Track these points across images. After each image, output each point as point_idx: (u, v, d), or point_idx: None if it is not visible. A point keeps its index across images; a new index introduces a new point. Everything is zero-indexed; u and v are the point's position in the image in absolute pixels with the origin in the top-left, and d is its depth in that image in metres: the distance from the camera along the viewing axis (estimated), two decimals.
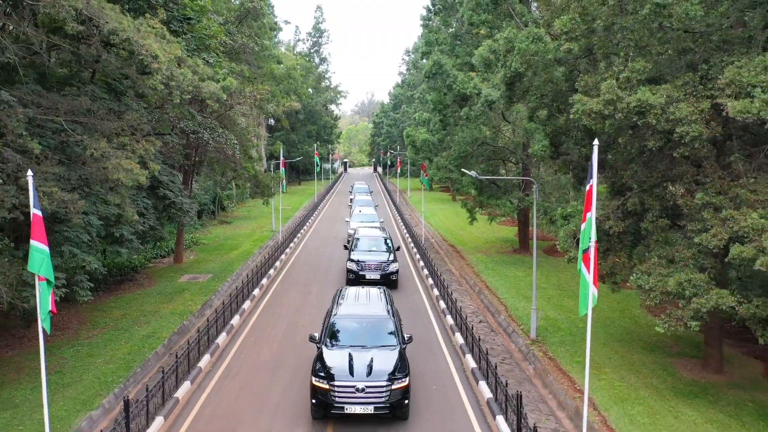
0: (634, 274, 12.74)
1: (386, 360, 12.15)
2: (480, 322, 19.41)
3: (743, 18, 11.12)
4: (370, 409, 11.44)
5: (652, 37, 11.53)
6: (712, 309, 11.19)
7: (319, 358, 12.38)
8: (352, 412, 11.45)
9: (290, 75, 53.16)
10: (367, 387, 11.52)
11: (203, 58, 16.82)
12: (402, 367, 12.13)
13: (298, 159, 61.76)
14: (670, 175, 12.82)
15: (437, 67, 25.35)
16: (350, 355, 12.20)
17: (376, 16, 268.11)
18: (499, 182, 28.85)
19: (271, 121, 69.06)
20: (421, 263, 27.69)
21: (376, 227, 29.55)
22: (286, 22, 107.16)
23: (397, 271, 23.06)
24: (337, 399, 11.49)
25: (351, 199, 48.79)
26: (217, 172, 36.09)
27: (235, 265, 27.85)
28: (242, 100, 24.89)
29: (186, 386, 13.59)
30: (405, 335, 13.40)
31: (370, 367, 11.84)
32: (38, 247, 8.41)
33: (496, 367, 12.92)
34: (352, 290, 15.68)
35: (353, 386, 11.52)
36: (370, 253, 23.73)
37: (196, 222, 28.76)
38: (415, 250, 31.36)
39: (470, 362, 15.09)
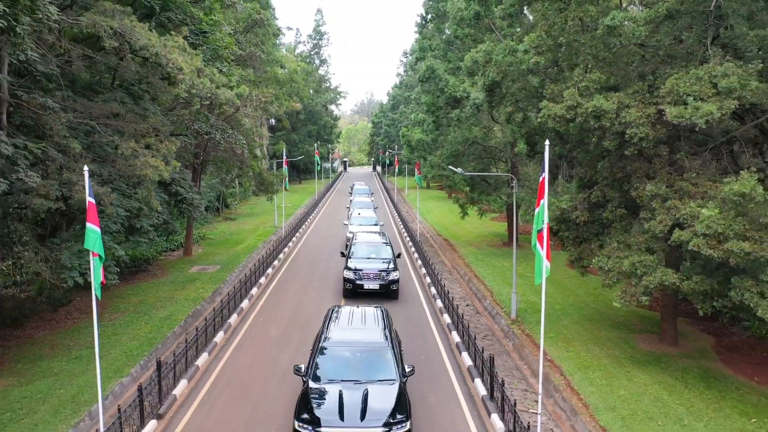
0: (596, 258, 14.63)
1: (383, 398, 10.55)
2: (467, 305, 21.31)
3: (681, 36, 12.99)
4: None
5: (608, 52, 13.39)
6: (658, 285, 13.05)
7: (304, 396, 10.76)
8: None
9: (293, 78, 55.15)
10: None
11: (217, 67, 18.72)
12: (402, 406, 10.47)
13: (299, 158, 63.68)
14: (627, 171, 14.70)
15: (430, 72, 27.23)
16: (340, 393, 10.58)
17: (376, 17, 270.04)
18: (489, 179, 30.74)
19: (272, 121, 70.97)
20: (416, 255, 29.57)
21: (375, 232, 28.47)
22: (289, 29, 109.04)
23: (398, 280, 21.37)
24: None
25: (350, 201, 47.37)
26: (222, 171, 37.94)
27: (241, 257, 29.70)
28: (248, 103, 26.75)
29: (204, 357, 15.48)
30: (406, 366, 11.78)
31: (363, 409, 10.22)
32: (92, 228, 10.27)
33: (474, 338, 14.82)
34: (345, 310, 14.04)
35: None
36: (369, 260, 22.13)
37: (204, 216, 30.61)
38: (410, 243, 33.24)
39: (455, 338, 16.98)
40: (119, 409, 10.71)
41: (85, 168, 10.09)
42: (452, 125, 29.24)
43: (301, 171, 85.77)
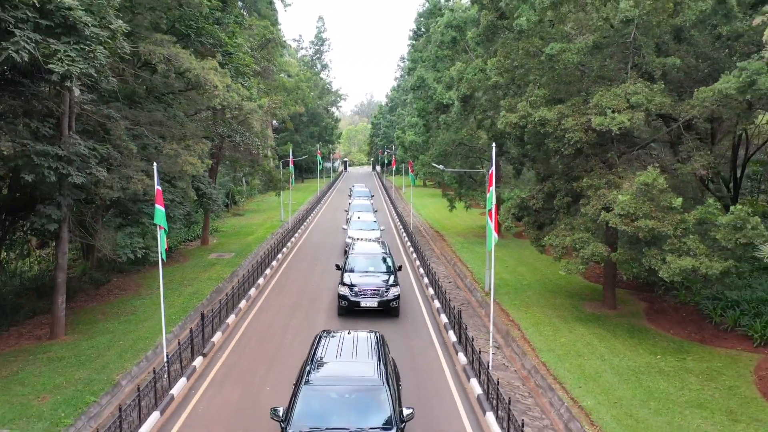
0: (547, 237, 18.28)
1: None
2: (449, 282, 24.98)
3: (605, 62, 16.63)
4: None
5: (552, 73, 17.02)
6: (591, 255, 16.68)
7: None
8: None
9: (299, 86, 59.08)
10: None
11: (240, 83, 22.35)
12: None
13: (302, 158, 67.40)
14: (571, 167, 18.34)
15: (420, 81, 30.88)
16: None
17: (376, 24, 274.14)
18: (475, 176, 34.39)
19: (274, 123, 74.70)
20: (409, 243, 33.24)
21: (374, 239, 27.35)
22: (294, 40, 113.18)
23: (398, 297, 19.51)
24: None
25: (350, 203, 45.82)
26: (233, 170, 41.63)
27: (253, 246, 33.35)
28: (259, 109, 30.45)
29: (232, 317, 19.15)
30: (404, 409, 9.91)
31: None
32: (159, 208, 13.85)
33: (449, 300, 18.46)
34: (334, 338, 11.96)
35: None
36: (367, 274, 20.41)
37: (221, 209, 34.28)
38: (404, 234, 36.94)
39: (436, 304, 20.65)
40: (179, 343, 14.36)
41: (155, 164, 13.71)
42: (441, 128, 32.90)
43: (303, 170, 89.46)
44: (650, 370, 14.65)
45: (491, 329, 15.10)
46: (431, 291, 22.53)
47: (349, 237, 29.91)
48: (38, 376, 14.83)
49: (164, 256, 14.26)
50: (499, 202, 35.51)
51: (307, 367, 10.64)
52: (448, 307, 18.51)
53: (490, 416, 12.05)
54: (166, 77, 17.96)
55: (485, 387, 13.08)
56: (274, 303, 21.51)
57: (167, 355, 13.78)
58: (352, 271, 20.67)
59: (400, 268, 22.24)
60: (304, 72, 73.71)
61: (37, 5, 10.93)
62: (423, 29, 38.31)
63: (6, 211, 21.56)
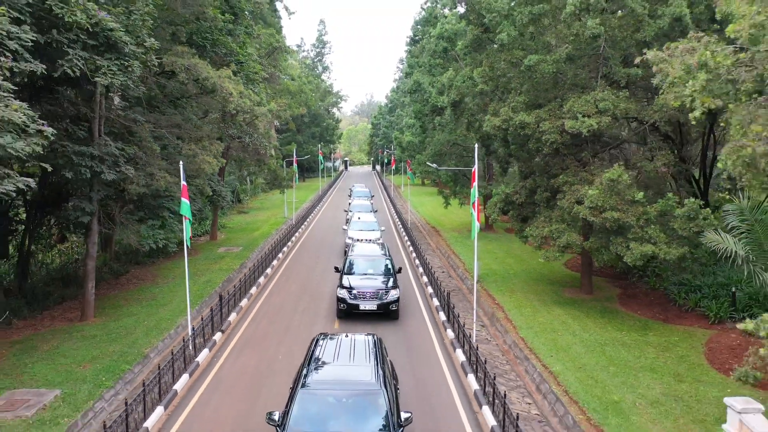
0: (528, 228, 20.31)
1: None
2: (443, 272, 27.02)
3: (577, 72, 18.69)
4: None
5: (531, 81, 19.06)
6: (566, 244, 18.70)
7: None
8: None
9: (302, 90, 61.29)
10: None
11: (251, 89, 24.41)
12: None
13: (305, 158, 69.48)
14: (550, 165, 20.38)
15: (417, 85, 32.93)
16: None
17: (377, 25, 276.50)
18: (469, 175, 36.42)
19: (277, 123, 76.73)
20: (406, 238, 35.29)
21: (374, 241, 27.24)
22: (297, 45, 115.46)
23: (397, 300, 19.27)
24: None
25: (349, 204, 46.02)
26: (238, 169, 43.62)
27: (259, 241, 35.41)
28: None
29: (244, 301, 21.20)
30: (403, 412, 9.80)
31: None
32: (185, 201, 15.88)
33: (440, 284, 20.48)
34: (331, 342, 11.80)
35: None
36: (366, 277, 20.29)
37: (230, 205, 36.31)
38: (402, 229, 38.98)
39: (430, 290, 22.68)
40: (202, 318, 16.42)
41: (181, 163, 15.74)
42: (436, 129, 34.96)
43: (305, 170, 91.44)
44: (614, 343, 16.68)
45: (475, 306, 17.14)
46: (425, 279, 24.57)
47: (349, 237, 30.32)
48: (76, 350, 16.86)
49: (189, 243, 16.28)
50: (490, 197, 37.86)
51: (304, 371, 10.47)
52: (440, 291, 20.54)
53: (471, 377, 14.10)
54: (184, 84, 19.96)
55: (468, 355, 15.12)
56: (283, 289, 23.58)
57: (193, 328, 15.82)
58: (350, 273, 20.64)
59: (399, 270, 21.99)
60: (306, 75, 75.93)
61: (91, 30, 12.99)
62: (419, 36, 40.36)
63: (35, 206, 23.62)
